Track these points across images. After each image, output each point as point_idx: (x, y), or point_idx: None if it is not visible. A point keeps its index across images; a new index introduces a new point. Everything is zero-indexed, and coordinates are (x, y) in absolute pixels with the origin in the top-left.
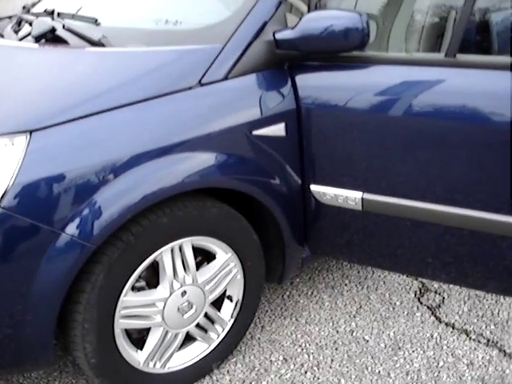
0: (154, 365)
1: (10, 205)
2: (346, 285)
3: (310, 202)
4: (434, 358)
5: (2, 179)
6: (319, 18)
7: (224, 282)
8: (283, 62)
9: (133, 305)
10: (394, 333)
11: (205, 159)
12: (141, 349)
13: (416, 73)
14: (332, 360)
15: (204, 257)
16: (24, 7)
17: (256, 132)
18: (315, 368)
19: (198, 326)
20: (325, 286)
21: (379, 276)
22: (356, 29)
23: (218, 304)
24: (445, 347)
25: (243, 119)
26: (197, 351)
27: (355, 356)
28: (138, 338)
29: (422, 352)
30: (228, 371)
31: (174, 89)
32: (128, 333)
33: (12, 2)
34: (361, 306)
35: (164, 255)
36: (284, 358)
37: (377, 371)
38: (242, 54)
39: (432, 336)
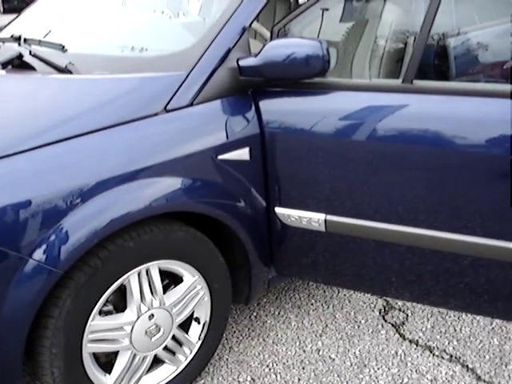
0: None
1: None
2: (312, 304)
3: (276, 224)
4: (399, 375)
5: None
6: (281, 46)
7: (191, 305)
8: (247, 87)
9: (100, 329)
10: (359, 351)
11: (171, 183)
12: (109, 372)
13: (375, 99)
14: (299, 379)
15: (171, 280)
16: None
17: (221, 156)
18: None
19: (165, 348)
20: (291, 305)
21: (344, 295)
22: (317, 56)
23: (185, 326)
24: (409, 364)
25: (208, 144)
26: (165, 374)
27: (322, 375)
28: (106, 361)
29: (387, 369)
30: None
31: (141, 115)
32: (96, 356)
33: None
34: (327, 325)
35: (131, 279)
36: (252, 379)
37: None
38: (206, 81)
39: (396, 353)
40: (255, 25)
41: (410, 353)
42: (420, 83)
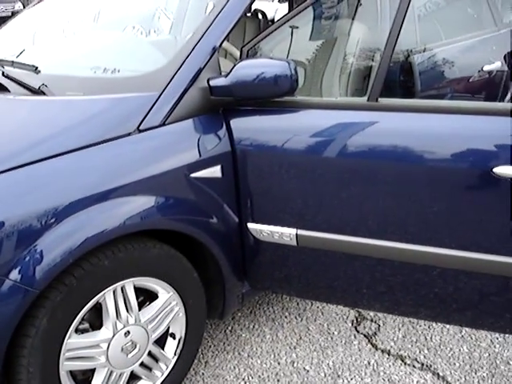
0: None
1: None
2: (285, 317)
3: (248, 240)
4: None
5: None
6: (250, 66)
7: (166, 321)
8: (218, 107)
9: (77, 347)
10: (333, 362)
11: (145, 202)
12: None
13: (342, 116)
14: None
15: (146, 296)
16: None
17: (193, 174)
18: None
19: (142, 364)
20: (266, 319)
21: (317, 307)
22: (285, 76)
23: (161, 342)
24: (382, 373)
25: (181, 162)
26: None
27: None
28: (83, 379)
29: (360, 379)
30: None
31: (114, 135)
32: (73, 374)
33: None
34: (301, 337)
35: (106, 297)
36: None
37: None
38: (178, 101)
39: (369, 363)
40: (225, 44)
41: (383, 362)
42: (385, 101)
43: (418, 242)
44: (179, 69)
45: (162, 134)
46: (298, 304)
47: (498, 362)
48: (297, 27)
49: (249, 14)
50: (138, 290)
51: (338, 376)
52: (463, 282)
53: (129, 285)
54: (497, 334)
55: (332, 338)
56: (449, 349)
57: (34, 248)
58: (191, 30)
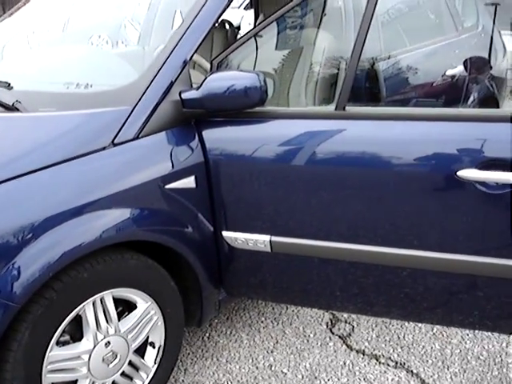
0: None
1: None
2: (262, 322)
3: (223, 248)
4: None
5: None
6: (221, 79)
7: (146, 330)
8: (190, 118)
9: (59, 359)
10: (309, 364)
11: (121, 214)
12: None
13: (311, 125)
14: None
15: (125, 306)
16: None
17: (168, 186)
18: None
19: (123, 374)
20: (242, 324)
21: (293, 311)
22: (255, 87)
23: (141, 351)
24: (357, 373)
25: (156, 174)
26: None
27: None
28: None
29: (336, 379)
30: None
31: (89, 150)
32: None
33: None
34: (277, 341)
35: (86, 309)
36: None
37: None
38: (151, 114)
39: (345, 363)
40: (195, 56)
41: (358, 362)
42: (352, 109)
43: (388, 244)
44: (151, 83)
45: (136, 147)
46: (273, 308)
47: (469, 357)
48: (264, 38)
49: (216, 25)
50: (117, 301)
51: (315, 377)
52: (432, 281)
53: (108, 296)
54: (467, 331)
55: (308, 341)
56: (421, 346)
57: (14, 264)
58: (160, 40)
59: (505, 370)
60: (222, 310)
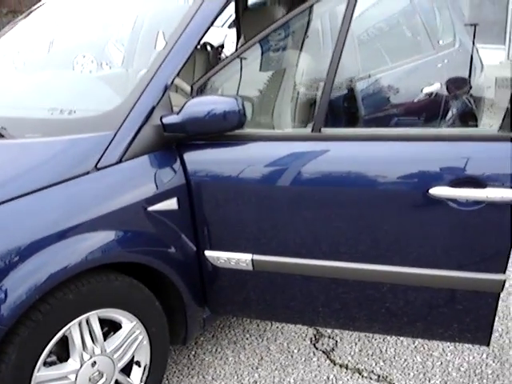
0: None
1: None
2: (247, 339)
3: (207, 267)
4: None
5: None
6: (201, 104)
7: (131, 349)
8: (171, 142)
9: (46, 379)
10: (293, 379)
11: (105, 237)
12: None
13: (289, 147)
14: None
15: (111, 326)
16: None
17: (151, 208)
18: None
19: None
20: (228, 342)
21: (277, 327)
22: (234, 111)
23: (127, 370)
24: None
25: (138, 197)
26: None
27: None
28: None
29: None
30: None
31: (73, 174)
32: None
33: None
34: (262, 358)
35: (72, 329)
36: None
37: None
38: (133, 139)
39: (328, 378)
40: (176, 80)
41: (341, 376)
42: (328, 131)
43: (368, 260)
44: (133, 108)
45: (119, 170)
46: (258, 325)
47: (450, 369)
48: (244, 61)
49: (198, 47)
50: (103, 321)
51: None
52: (412, 295)
53: (93, 317)
54: (448, 343)
55: (292, 356)
56: (403, 359)
57: (1, 286)
58: (142, 63)
59: (485, 381)
60: (208, 328)
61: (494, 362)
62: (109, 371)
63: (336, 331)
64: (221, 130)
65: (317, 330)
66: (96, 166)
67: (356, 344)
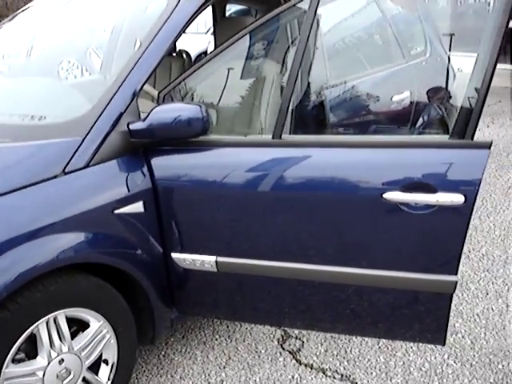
0: None
1: None
2: (216, 339)
3: (173, 268)
4: None
5: None
6: (166, 111)
7: (99, 348)
8: (138, 147)
9: (14, 375)
10: (259, 378)
11: (73, 238)
12: None
13: (250, 153)
14: None
15: (79, 325)
16: None
17: (118, 211)
18: None
19: None
20: (197, 342)
21: (246, 328)
22: (197, 118)
23: (95, 368)
24: None
25: (106, 200)
26: None
27: None
28: None
29: None
30: None
31: (41, 178)
32: None
33: None
34: (230, 357)
35: (40, 328)
36: None
37: None
38: (100, 144)
39: (293, 377)
40: (145, 86)
41: (306, 376)
42: (288, 138)
43: (334, 263)
44: (101, 114)
45: (86, 174)
46: (227, 326)
47: (411, 369)
48: (212, 67)
49: (174, 54)
50: (71, 320)
51: None
52: (376, 297)
53: (61, 315)
54: (411, 344)
55: (259, 356)
56: (367, 359)
57: None
58: (118, 69)
59: (445, 381)
60: (177, 328)
61: (454, 362)
62: (76, 368)
63: (304, 332)
64: (185, 136)
65: (285, 330)
66: (64, 170)
67: (322, 344)
